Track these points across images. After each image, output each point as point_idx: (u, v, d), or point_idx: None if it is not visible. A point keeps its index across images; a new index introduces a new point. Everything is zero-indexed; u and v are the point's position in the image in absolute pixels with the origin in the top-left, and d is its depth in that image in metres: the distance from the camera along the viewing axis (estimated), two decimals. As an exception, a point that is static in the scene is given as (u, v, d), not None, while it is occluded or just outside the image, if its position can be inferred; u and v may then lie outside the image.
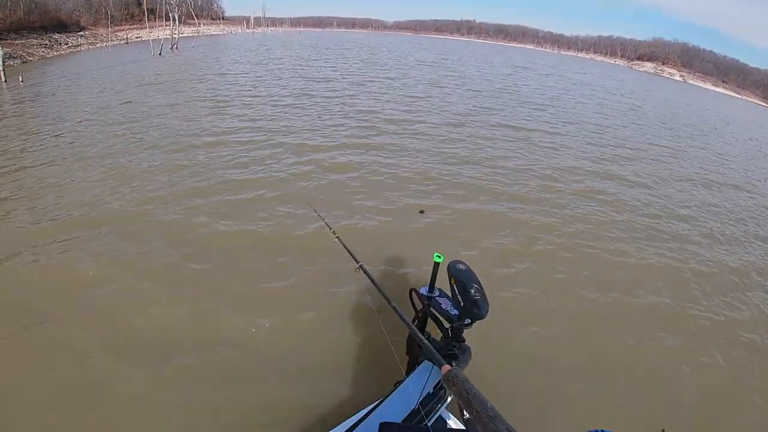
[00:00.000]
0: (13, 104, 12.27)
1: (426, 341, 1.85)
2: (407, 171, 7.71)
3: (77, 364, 3.23)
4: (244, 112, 11.27)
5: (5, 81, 15.99)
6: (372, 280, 2.41)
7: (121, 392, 3.04)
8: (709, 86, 66.53)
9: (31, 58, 24.76)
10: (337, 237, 2.87)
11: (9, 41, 25.20)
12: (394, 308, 2.11)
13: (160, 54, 25.97)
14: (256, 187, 6.50)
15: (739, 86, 69.99)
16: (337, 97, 14.12)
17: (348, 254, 2.65)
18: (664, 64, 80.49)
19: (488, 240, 5.51)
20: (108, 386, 3.07)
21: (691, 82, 68.78)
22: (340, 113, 11.72)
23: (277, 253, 4.76)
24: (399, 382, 2.21)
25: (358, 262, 2.55)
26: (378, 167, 7.74)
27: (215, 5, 70.82)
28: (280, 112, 11.50)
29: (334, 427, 2.09)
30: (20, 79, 16.09)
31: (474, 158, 8.74)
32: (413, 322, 2.52)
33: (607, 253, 5.58)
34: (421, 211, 5.88)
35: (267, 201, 6.02)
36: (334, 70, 20.08)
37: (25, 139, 8.58)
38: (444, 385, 1.23)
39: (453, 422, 2.17)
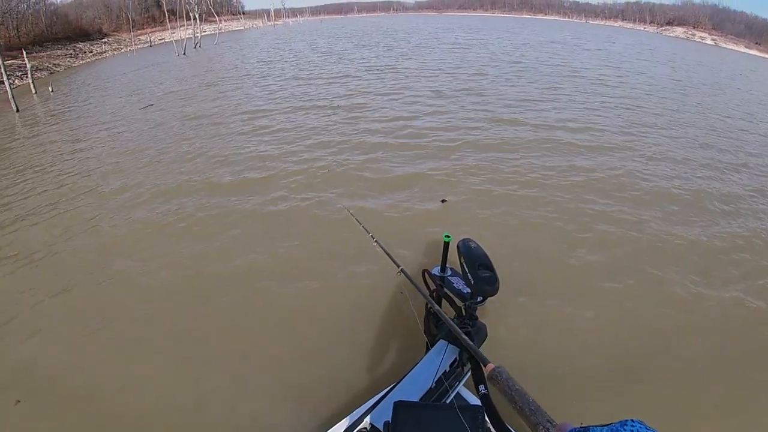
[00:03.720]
0: (45, 116, 11.86)
1: (469, 341, 1.81)
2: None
3: None
4: (267, 123, 9.11)
5: (36, 93, 15.71)
6: (413, 283, 2.40)
7: None
8: (742, 49, 60.88)
9: (58, 69, 24.65)
10: (376, 241, 2.84)
11: (34, 54, 25.15)
12: (438, 312, 2.11)
13: (184, 54, 25.39)
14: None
15: (774, 47, 64.58)
16: (365, 103, 10.11)
17: (390, 259, 2.63)
18: (694, 28, 75.79)
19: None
20: None
21: (723, 45, 63.54)
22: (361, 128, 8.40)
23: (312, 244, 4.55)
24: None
25: (398, 266, 2.51)
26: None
27: (234, 1, 70.20)
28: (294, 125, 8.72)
29: (353, 411, 2.07)
30: (50, 90, 15.78)
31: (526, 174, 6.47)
32: (427, 302, 2.42)
33: None
34: (443, 200, 5.36)
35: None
36: (353, 67, 16.75)
37: (36, 171, 7.96)
38: (489, 383, 1.27)
39: (470, 398, 2.14)
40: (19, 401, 2.81)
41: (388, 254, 2.66)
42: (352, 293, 3.72)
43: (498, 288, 2.13)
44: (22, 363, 3.18)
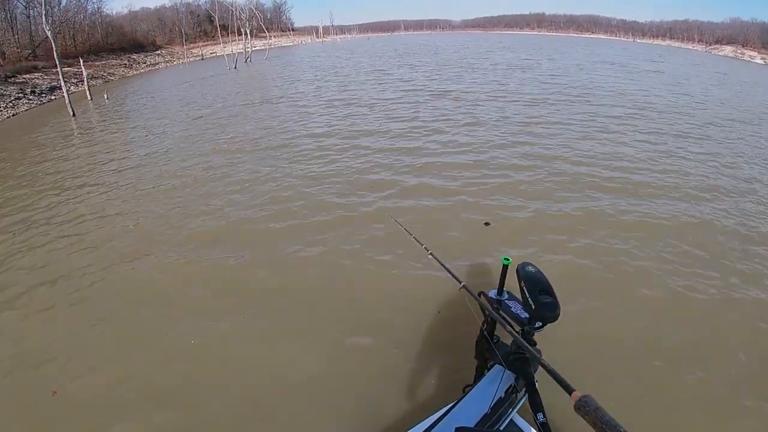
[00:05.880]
0: (101, 121, 11.36)
1: (552, 367, 1.61)
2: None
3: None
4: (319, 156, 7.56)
5: (91, 99, 15.47)
6: (474, 296, 2.25)
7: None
8: (792, 68, 57.19)
9: (113, 78, 24.90)
10: (431, 254, 2.70)
11: (90, 62, 25.51)
12: (504, 324, 2.02)
13: (235, 68, 25.25)
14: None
15: (828, 64, 59.69)
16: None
17: (449, 274, 2.45)
18: (743, 46, 72.49)
19: None
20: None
21: (773, 64, 60.38)
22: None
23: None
24: (468, 386, 2.18)
25: (460, 282, 2.34)
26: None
27: (284, 17, 71.19)
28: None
29: (409, 429, 2.03)
30: (105, 97, 15.52)
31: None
32: (482, 325, 2.37)
33: None
34: (487, 223, 5.14)
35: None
36: (401, 89, 14.56)
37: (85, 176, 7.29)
38: (576, 412, 1.17)
39: (524, 426, 2.04)
40: (55, 392, 2.89)
41: (446, 268, 2.52)
42: (402, 311, 3.63)
43: (559, 314, 2.00)
44: (62, 352, 3.20)
